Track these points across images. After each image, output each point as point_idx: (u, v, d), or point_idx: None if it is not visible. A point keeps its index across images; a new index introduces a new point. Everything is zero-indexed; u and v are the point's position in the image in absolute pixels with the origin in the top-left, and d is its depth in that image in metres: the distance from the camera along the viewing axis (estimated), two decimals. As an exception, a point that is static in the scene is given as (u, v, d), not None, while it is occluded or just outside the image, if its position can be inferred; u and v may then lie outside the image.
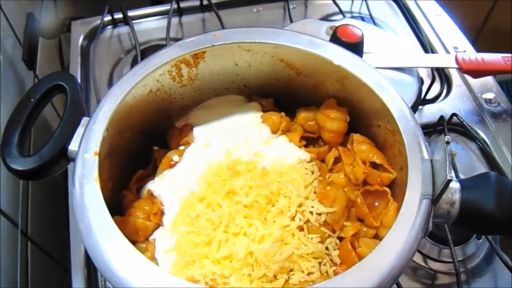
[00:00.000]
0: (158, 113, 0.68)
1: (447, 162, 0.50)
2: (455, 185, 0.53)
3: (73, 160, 0.57)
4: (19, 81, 0.91)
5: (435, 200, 0.52)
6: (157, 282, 0.47)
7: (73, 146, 0.58)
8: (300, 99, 0.71)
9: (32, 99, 0.62)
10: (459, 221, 0.53)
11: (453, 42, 1.08)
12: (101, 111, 0.59)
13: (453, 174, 0.50)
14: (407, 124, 0.57)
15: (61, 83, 0.63)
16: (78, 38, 1.09)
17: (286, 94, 0.71)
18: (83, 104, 0.63)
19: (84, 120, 0.60)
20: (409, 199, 0.52)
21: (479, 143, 0.91)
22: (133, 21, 1.12)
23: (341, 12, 1.12)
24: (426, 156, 0.54)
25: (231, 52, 0.66)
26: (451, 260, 0.75)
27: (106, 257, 0.49)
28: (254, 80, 0.71)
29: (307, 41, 0.65)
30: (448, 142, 0.51)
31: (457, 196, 0.53)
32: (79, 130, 0.59)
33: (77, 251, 0.77)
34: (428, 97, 0.98)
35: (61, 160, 0.59)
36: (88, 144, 0.56)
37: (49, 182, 0.98)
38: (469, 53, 0.92)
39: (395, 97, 0.59)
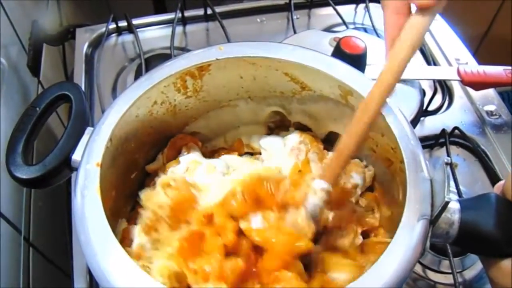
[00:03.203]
0: (163, 123, 0.68)
1: (446, 184, 0.49)
2: (454, 205, 0.53)
3: (76, 170, 0.57)
4: (24, 88, 0.92)
5: (433, 220, 0.51)
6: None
7: (76, 156, 0.58)
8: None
9: (37, 108, 0.62)
10: (458, 241, 0.53)
11: (455, 54, 1.09)
12: (104, 122, 0.59)
13: (451, 196, 0.49)
14: (407, 143, 0.56)
15: (66, 93, 0.64)
16: (83, 46, 1.09)
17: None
18: (87, 114, 0.63)
19: (88, 130, 0.61)
20: (406, 219, 0.51)
21: (480, 155, 0.91)
22: (138, 30, 1.12)
23: (344, 23, 1.13)
24: (426, 176, 0.54)
25: (236, 65, 0.66)
26: (450, 271, 0.75)
27: (104, 270, 0.49)
28: (259, 93, 0.71)
29: (310, 56, 0.65)
30: (448, 163, 0.50)
31: (456, 217, 0.52)
32: (83, 140, 0.60)
33: (79, 258, 0.77)
34: (430, 108, 0.99)
35: (64, 170, 0.59)
36: (90, 155, 0.57)
37: (52, 189, 0.98)
38: (471, 66, 0.93)
39: (396, 115, 0.59)
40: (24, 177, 0.57)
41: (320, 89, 0.68)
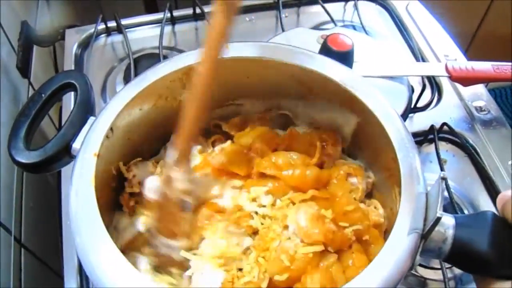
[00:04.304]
0: (167, 118, 0.68)
1: (440, 199, 0.48)
2: (449, 221, 0.51)
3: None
4: (13, 89, 0.91)
5: (425, 235, 0.50)
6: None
7: (76, 145, 0.60)
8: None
9: (43, 95, 0.64)
10: (450, 258, 0.51)
11: (443, 50, 1.09)
12: (105, 113, 0.60)
13: (442, 211, 0.47)
14: (406, 155, 0.56)
15: (72, 81, 0.65)
16: (72, 46, 1.09)
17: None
18: (92, 104, 0.65)
19: (91, 119, 0.62)
20: (397, 231, 0.50)
21: (469, 151, 0.92)
22: (127, 30, 1.12)
23: (332, 21, 1.13)
24: (421, 189, 0.53)
25: (242, 64, 0.67)
26: (440, 267, 0.76)
27: (94, 263, 0.50)
28: (265, 93, 0.72)
29: (319, 60, 0.65)
30: (444, 178, 0.49)
31: (450, 233, 0.50)
32: (84, 129, 0.61)
33: (70, 258, 0.77)
34: (419, 105, 0.99)
35: (64, 157, 0.61)
36: (88, 145, 0.58)
37: (43, 190, 0.98)
38: (459, 62, 0.93)
39: (396, 125, 0.59)
40: (24, 161, 0.59)
41: (326, 94, 0.68)
